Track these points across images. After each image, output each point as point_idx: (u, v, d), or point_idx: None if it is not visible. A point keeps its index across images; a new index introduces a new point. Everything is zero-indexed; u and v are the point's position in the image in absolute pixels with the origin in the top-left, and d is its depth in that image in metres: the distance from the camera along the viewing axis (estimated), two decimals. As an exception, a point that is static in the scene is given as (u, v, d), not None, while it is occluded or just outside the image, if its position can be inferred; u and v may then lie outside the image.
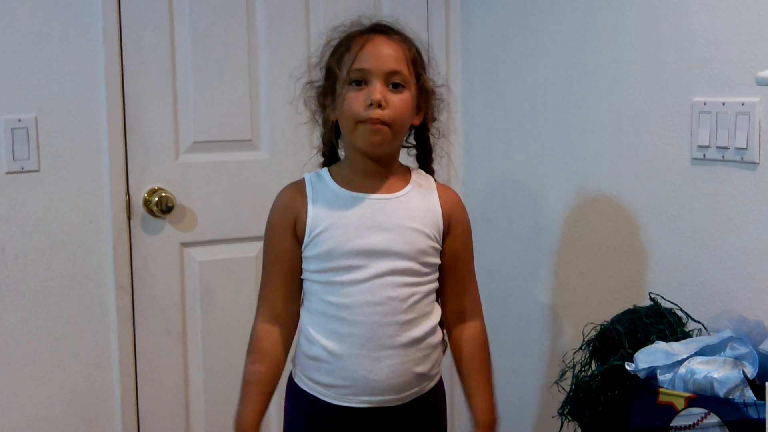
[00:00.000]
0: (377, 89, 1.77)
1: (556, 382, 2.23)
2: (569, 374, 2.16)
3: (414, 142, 1.96)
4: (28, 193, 2.42)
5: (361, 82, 1.79)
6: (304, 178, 1.90)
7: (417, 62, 1.86)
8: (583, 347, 2.12)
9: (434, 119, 1.93)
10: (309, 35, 2.73)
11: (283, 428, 1.97)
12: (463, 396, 1.96)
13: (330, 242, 1.81)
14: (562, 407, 2.12)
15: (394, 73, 1.79)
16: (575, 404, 2.08)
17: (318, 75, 1.89)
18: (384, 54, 1.80)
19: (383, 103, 1.77)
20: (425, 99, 1.88)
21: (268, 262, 1.91)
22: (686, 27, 2.18)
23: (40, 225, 2.44)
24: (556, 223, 2.61)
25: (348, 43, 1.82)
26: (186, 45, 2.60)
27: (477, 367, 1.93)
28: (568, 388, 2.14)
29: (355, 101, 1.78)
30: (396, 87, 1.80)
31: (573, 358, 2.13)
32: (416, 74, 1.84)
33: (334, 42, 1.86)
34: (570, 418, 2.11)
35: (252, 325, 1.91)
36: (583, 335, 2.18)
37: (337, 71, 1.82)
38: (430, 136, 1.95)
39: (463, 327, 1.94)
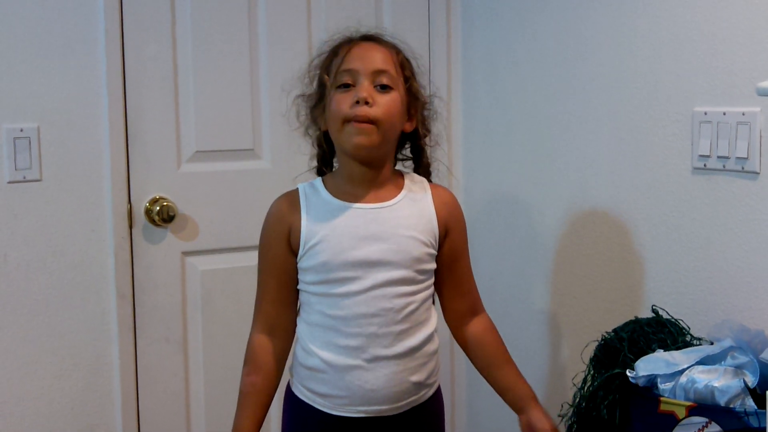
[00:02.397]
0: (364, 87, 1.78)
1: (567, 404, 2.20)
2: (573, 389, 2.15)
3: (410, 155, 1.96)
4: (30, 203, 2.42)
5: (348, 85, 1.80)
6: (297, 189, 1.90)
7: (405, 66, 1.87)
8: (588, 368, 2.11)
9: (428, 131, 1.93)
10: (310, 45, 2.73)
11: (281, 439, 1.98)
12: (492, 386, 1.96)
13: (325, 254, 1.81)
14: (569, 429, 2.11)
15: (380, 72, 1.80)
16: (581, 424, 2.07)
17: (309, 88, 1.90)
18: (370, 55, 1.82)
19: (370, 101, 1.77)
20: (415, 106, 1.88)
21: (262, 273, 1.92)
22: (687, 36, 2.19)
23: (41, 234, 2.44)
24: (557, 232, 2.61)
25: (336, 50, 1.85)
26: (188, 54, 2.60)
27: (506, 356, 1.95)
28: (571, 402, 2.13)
29: (342, 102, 1.79)
30: (384, 88, 1.80)
31: (583, 386, 2.11)
32: (404, 77, 1.85)
33: (323, 52, 1.88)
34: None
35: (248, 336, 1.92)
36: (582, 359, 2.18)
37: (325, 78, 1.83)
38: (425, 148, 1.94)
39: (474, 321, 1.96)
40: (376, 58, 1.81)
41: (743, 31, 2.06)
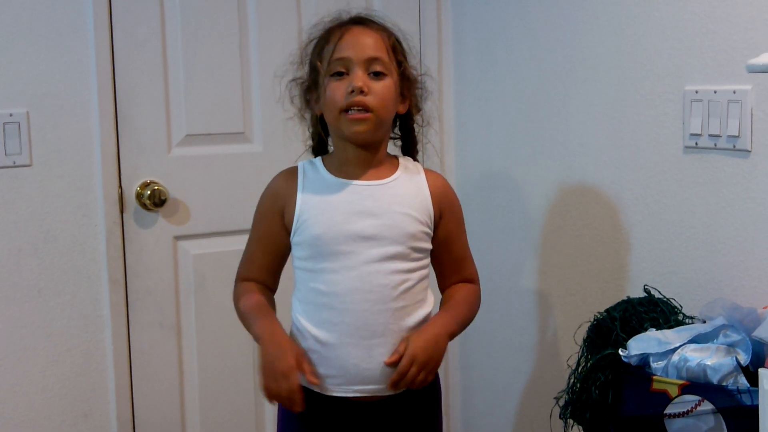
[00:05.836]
0: (358, 77, 1.80)
1: (558, 398, 2.19)
2: (568, 371, 2.15)
3: (398, 133, 1.98)
4: (21, 188, 2.41)
5: (342, 73, 1.82)
6: (297, 165, 1.92)
7: (397, 49, 1.88)
8: (582, 349, 2.11)
9: (419, 109, 1.95)
10: (300, 27, 2.72)
11: (277, 422, 1.97)
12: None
13: (317, 227, 1.83)
14: (564, 410, 2.11)
15: (374, 60, 1.82)
16: (575, 405, 2.07)
17: (301, 71, 1.91)
18: (363, 42, 1.83)
19: (365, 89, 1.79)
20: (408, 87, 1.91)
21: (252, 241, 1.96)
22: (678, 15, 2.18)
23: (32, 220, 2.43)
24: (549, 212, 2.61)
25: (327, 36, 1.86)
26: (177, 38, 2.59)
27: (451, 303, 1.93)
28: (566, 386, 2.13)
29: (336, 91, 1.81)
30: (377, 75, 1.82)
31: (577, 367, 2.10)
32: (397, 61, 1.87)
33: (314, 37, 1.89)
34: (574, 421, 2.10)
35: (234, 287, 1.95)
36: (575, 340, 2.18)
37: (318, 64, 1.84)
38: (414, 125, 1.96)
39: (457, 285, 1.97)
40: (368, 45, 1.82)
41: (734, 9, 2.06)
